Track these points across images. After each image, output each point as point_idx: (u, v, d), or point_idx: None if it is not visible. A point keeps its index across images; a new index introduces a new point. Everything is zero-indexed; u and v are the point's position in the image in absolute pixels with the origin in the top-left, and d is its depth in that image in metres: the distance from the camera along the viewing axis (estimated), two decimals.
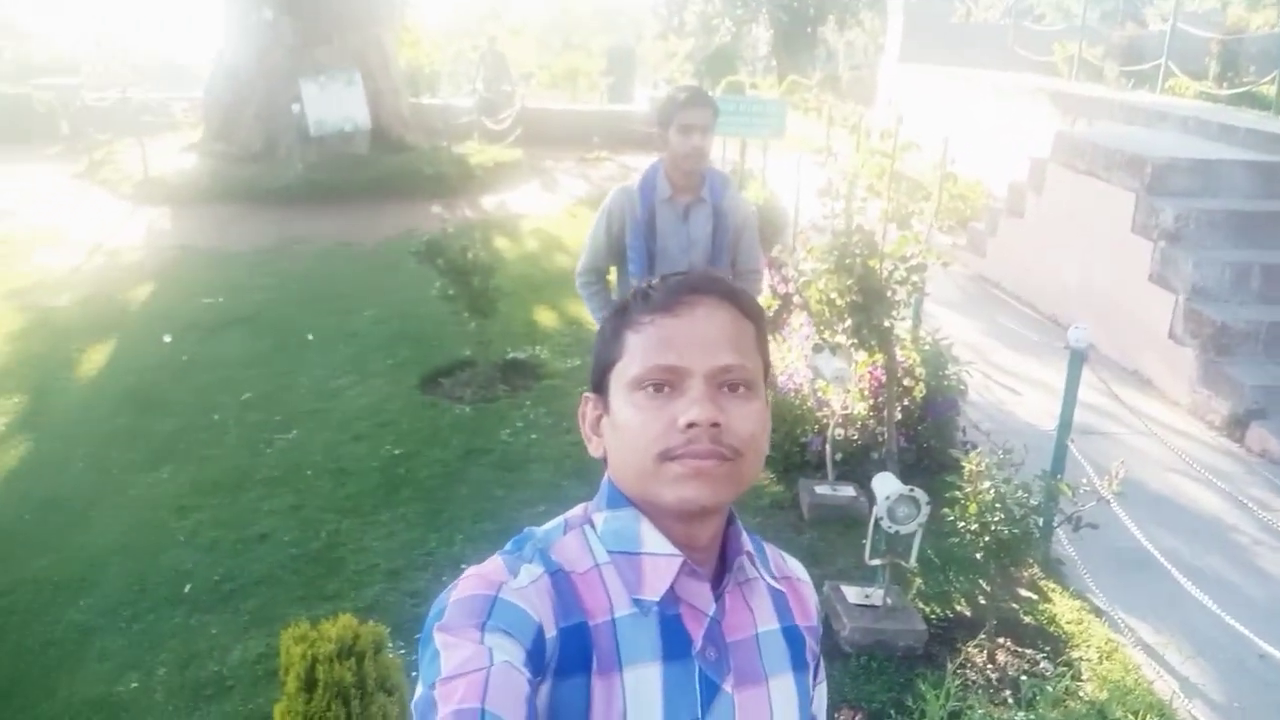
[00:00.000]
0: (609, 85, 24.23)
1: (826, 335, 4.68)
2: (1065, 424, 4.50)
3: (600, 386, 1.17)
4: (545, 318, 8.04)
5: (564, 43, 32.18)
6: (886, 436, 4.82)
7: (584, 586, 1.08)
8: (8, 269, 9.25)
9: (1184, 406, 6.57)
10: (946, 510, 3.84)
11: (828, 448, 4.95)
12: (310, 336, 7.45)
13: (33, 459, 5.51)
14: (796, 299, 5.95)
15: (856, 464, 5.20)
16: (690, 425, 1.06)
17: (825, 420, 5.13)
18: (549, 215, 12.19)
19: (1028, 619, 4.12)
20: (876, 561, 3.84)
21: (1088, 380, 4.67)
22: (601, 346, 1.17)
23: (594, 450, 1.19)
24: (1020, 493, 3.71)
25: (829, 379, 4.77)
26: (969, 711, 3.26)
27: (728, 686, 1.09)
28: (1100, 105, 10.56)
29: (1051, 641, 3.97)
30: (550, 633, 1.02)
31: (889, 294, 4.39)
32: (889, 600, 3.91)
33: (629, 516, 1.12)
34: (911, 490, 3.59)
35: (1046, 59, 15.10)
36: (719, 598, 1.13)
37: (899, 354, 5.11)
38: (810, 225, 6.55)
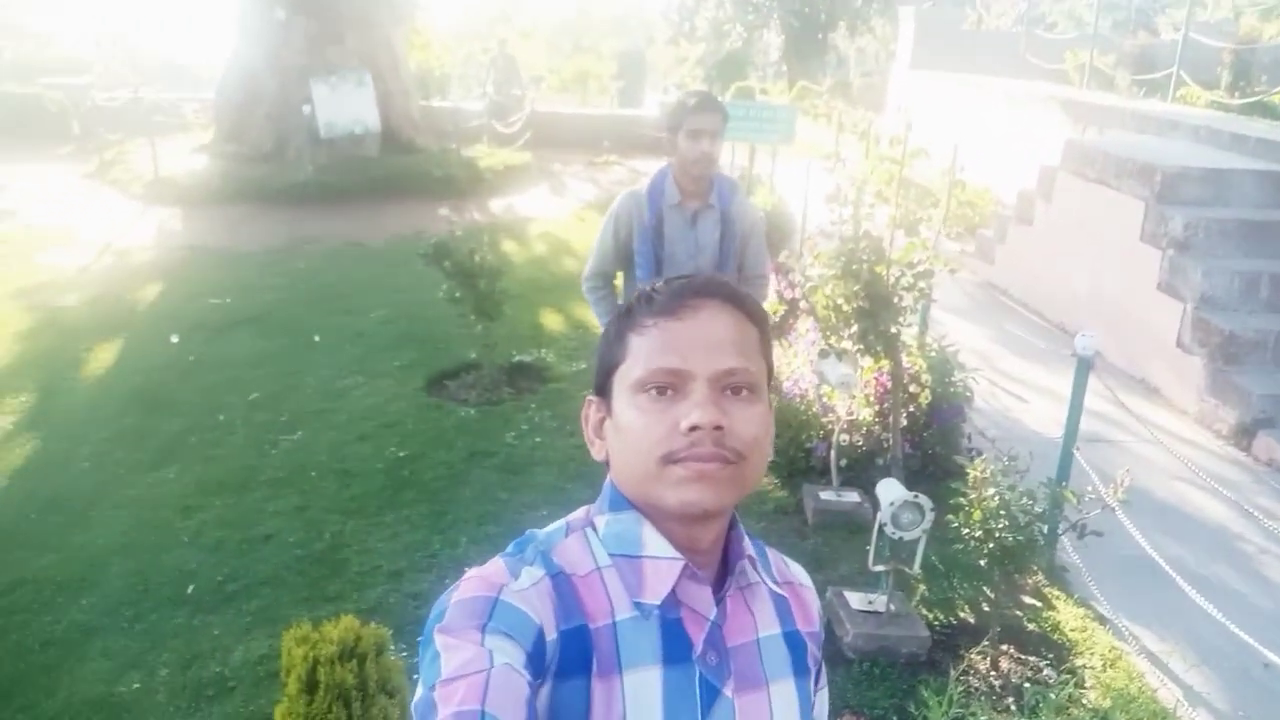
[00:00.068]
0: (619, 89, 24.28)
1: (833, 341, 4.67)
2: (1071, 431, 4.49)
3: (603, 389, 1.17)
4: (551, 321, 8.04)
5: (574, 46, 32.23)
6: (892, 442, 4.82)
7: (585, 589, 1.08)
8: (17, 268, 9.28)
9: (1191, 415, 6.55)
10: (951, 517, 3.82)
11: (832, 453, 4.95)
12: (317, 338, 7.46)
13: (38, 458, 5.52)
14: (803, 304, 5.94)
15: (861, 470, 5.20)
16: (693, 428, 1.06)
17: (830, 426, 5.12)
18: (557, 219, 12.21)
19: (1031, 626, 4.10)
20: (880, 567, 3.84)
21: (1095, 388, 4.66)
22: (605, 349, 1.17)
23: (597, 453, 1.19)
24: (1025, 500, 3.70)
25: (834, 384, 4.76)
26: (972, 718, 3.25)
27: (728, 691, 1.09)
28: (1111, 113, 10.54)
29: (1055, 649, 3.96)
30: (551, 635, 1.02)
31: (896, 300, 4.38)
32: (892, 606, 3.90)
33: (631, 519, 1.12)
34: (916, 496, 3.58)
35: (1058, 67, 15.07)
36: (720, 602, 1.13)
37: (905, 360, 5.10)
38: (818, 231, 6.56)
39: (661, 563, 1.10)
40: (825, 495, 4.96)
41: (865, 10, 28.53)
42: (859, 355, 4.66)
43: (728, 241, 3.80)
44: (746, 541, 1.19)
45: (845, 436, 5.13)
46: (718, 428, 1.06)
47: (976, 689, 3.62)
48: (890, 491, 3.66)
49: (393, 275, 9.12)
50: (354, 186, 12.54)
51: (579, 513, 1.18)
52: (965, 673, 3.68)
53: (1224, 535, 5.02)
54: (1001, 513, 3.65)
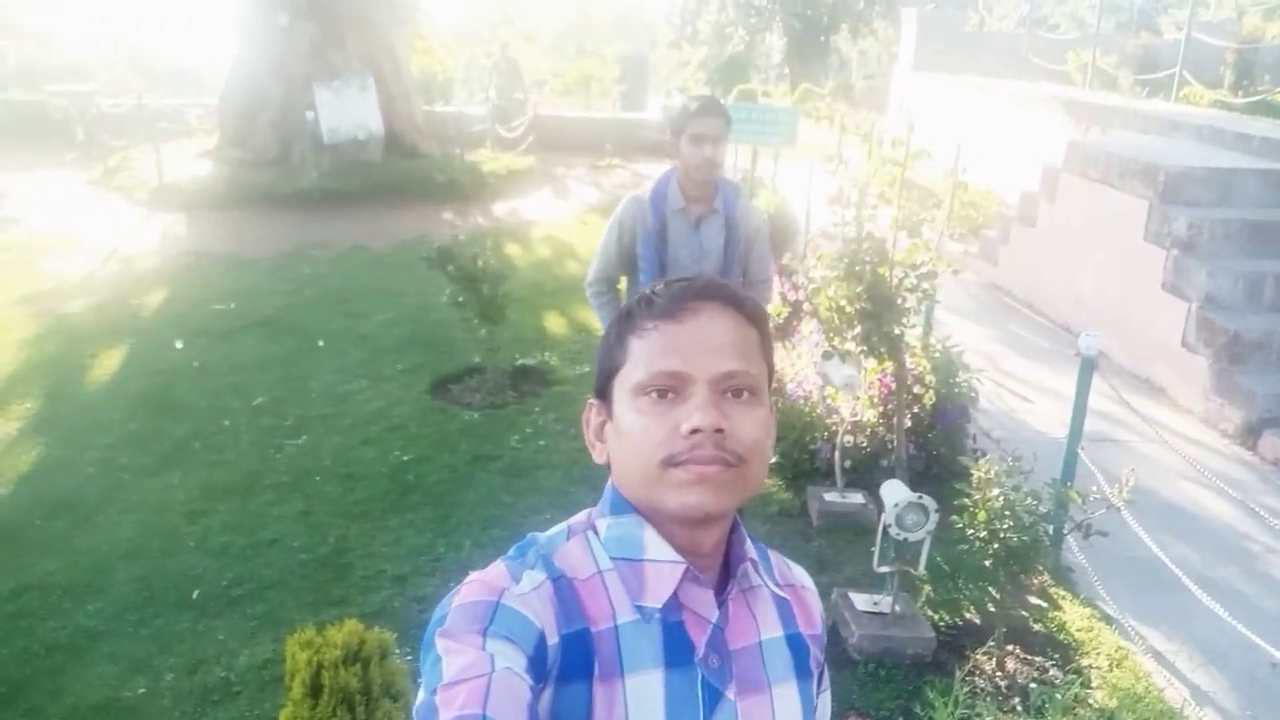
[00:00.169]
0: (622, 93, 24.30)
1: (836, 342, 4.67)
2: (1076, 432, 4.48)
3: (604, 392, 1.16)
4: (555, 324, 8.05)
5: (577, 50, 32.27)
6: (896, 444, 4.81)
7: (586, 593, 1.08)
8: (22, 274, 9.30)
9: (1196, 415, 6.54)
10: (956, 518, 3.83)
11: (837, 455, 4.94)
12: (321, 342, 7.47)
13: (44, 462, 5.53)
14: (806, 306, 5.94)
15: (866, 471, 5.19)
16: (694, 431, 1.05)
17: (834, 427, 5.12)
18: (560, 222, 12.22)
19: (1037, 626, 4.10)
20: (885, 569, 3.84)
21: (1099, 388, 4.66)
22: (605, 352, 1.17)
23: (598, 456, 1.19)
24: (1030, 500, 3.70)
25: (838, 386, 4.76)
26: (977, 719, 3.25)
27: (730, 694, 1.09)
28: (1114, 114, 10.53)
29: (1061, 649, 3.95)
30: (552, 639, 1.02)
31: (899, 301, 4.38)
32: (897, 607, 3.89)
33: (632, 523, 1.12)
34: (920, 498, 3.58)
35: (1060, 68, 15.06)
36: (722, 605, 1.13)
37: (909, 361, 5.10)
38: (821, 233, 6.55)
39: (663, 566, 1.09)
40: (830, 497, 4.96)
41: (867, 12, 28.51)
42: (862, 357, 4.66)
43: (732, 246, 3.79)
44: (748, 544, 1.18)
45: (849, 438, 5.13)
46: (718, 430, 1.06)
47: (982, 690, 3.62)
48: (895, 493, 3.66)
49: (396, 280, 9.13)
50: (357, 191, 12.57)
51: (580, 516, 1.18)
52: (971, 673, 3.68)
53: (1230, 535, 5.01)
54: (1006, 513, 3.65)
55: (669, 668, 1.06)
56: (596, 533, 1.14)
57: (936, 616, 4.10)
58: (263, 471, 5.38)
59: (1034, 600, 4.29)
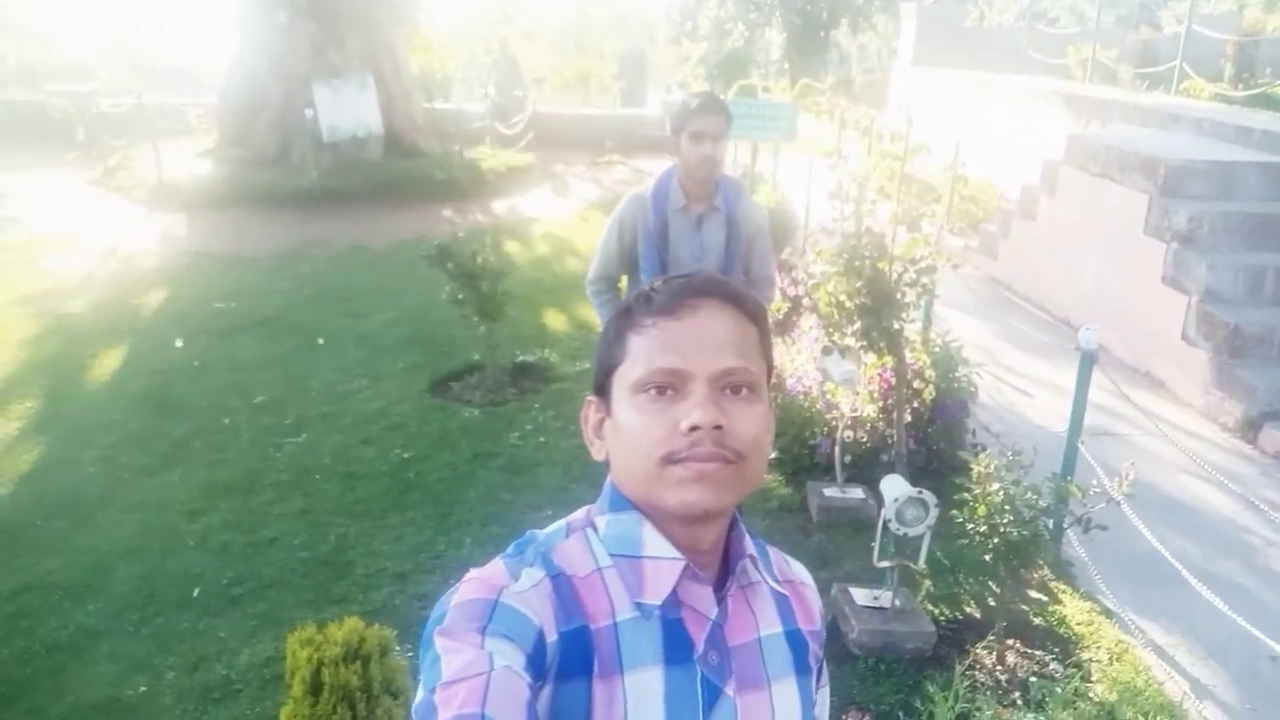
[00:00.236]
0: (621, 89, 24.27)
1: (836, 337, 4.67)
2: (1076, 425, 4.48)
3: (603, 389, 1.16)
4: (555, 321, 8.05)
5: (576, 47, 32.18)
6: (896, 439, 4.82)
7: (585, 590, 1.08)
8: (22, 274, 9.29)
9: (1197, 408, 6.54)
10: (956, 512, 3.82)
11: (837, 450, 4.95)
12: (321, 341, 7.48)
13: (45, 462, 5.53)
14: (806, 301, 5.94)
15: (865, 466, 5.20)
16: (693, 428, 1.05)
17: (834, 423, 5.12)
18: (560, 219, 12.22)
19: (1037, 620, 4.10)
20: (885, 564, 3.84)
21: (1099, 382, 4.66)
22: (604, 349, 1.17)
23: (597, 454, 1.19)
24: (1030, 494, 3.70)
25: (838, 381, 4.76)
26: (978, 713, 3.25)
27: (730, 690, 1.09)
28: (1114, 107, 10.52)
29: (1061, 643, 3.95)
30: (551, 637, 1.02)
31: (898, 296, 4.38)
32: (897, 602, 3.90)
33: (631, 520, 1.12)
34: (920, 492, 3.58)
35: (1060, 62, 15.04)
36: (721, 601, 1.13)
37: (909, 356, 5.10)
38: (820, 228, 6.55)
39: (662, 563, 1.09)
40: (830, 492, 4.96)
41: (867, 7, 28.50)
42: (862, 352, 4.65)
43: (733, 244, 3.78)
44: (747, 540, 1.18)
45: (849, 433, 5.13)
46: (717, 427, 1.06)
47: (982, 684, 3.62)
48: (895, 488, 3.66)
49: (396, 278, 9.13)
50: (357, 190, 12.56)
51: (579, 513, 1.18)
52: (971, 668, 3.68)
53: (1230, 528, 5.01)
54: (1006, 508, 3.65)
55: (668, 665, 1.06)
56: (595, 530, 1.14)
57: (936, 611, 4.10)
58: (263, 470, 5.39)
59: (1034, 594, 4.30)
